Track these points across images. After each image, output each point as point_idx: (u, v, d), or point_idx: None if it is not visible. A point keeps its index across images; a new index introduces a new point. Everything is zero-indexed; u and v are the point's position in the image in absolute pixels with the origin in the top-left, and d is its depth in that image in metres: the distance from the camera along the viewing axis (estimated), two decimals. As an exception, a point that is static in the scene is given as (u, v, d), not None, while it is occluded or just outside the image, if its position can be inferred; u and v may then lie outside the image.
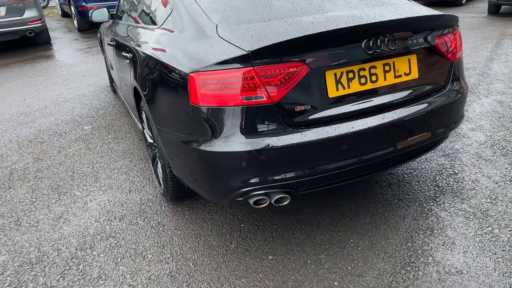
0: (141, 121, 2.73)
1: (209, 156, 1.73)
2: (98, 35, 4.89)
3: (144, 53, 2.24)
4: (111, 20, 3.98)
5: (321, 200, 2.47)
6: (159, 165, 2.50)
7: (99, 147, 3.46)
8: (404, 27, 1.84)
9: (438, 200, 2.40)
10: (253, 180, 1.74)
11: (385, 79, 1.88)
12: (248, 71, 1.61)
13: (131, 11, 3.13)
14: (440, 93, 2.06)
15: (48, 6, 14.60)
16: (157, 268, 2.02)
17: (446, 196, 2.43)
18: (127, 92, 3.01)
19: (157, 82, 2.03)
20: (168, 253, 2.13)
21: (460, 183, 2.55)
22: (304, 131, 1.70)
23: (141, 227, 2.35)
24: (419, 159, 2.86)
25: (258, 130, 1.67)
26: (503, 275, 1.84)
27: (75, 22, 9.56)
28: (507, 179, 2.54)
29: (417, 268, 1.91)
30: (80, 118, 4.20)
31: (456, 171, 2.69)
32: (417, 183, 2.58)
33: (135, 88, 2.49)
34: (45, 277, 2.02)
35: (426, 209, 2.33)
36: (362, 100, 1.83)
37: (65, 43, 8.32)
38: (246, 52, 1.60)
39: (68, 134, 3.80)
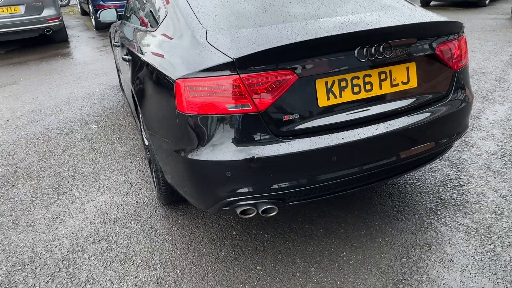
0: (140, 124, 2.73)
1: (195, 164, 1.70)
2: (109, 34, 4.94)
3: (138, 56, 2.22)
4: (120, 21, 4.00)
5: (317, 209, 2.41)
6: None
7: (102, 147, 3.49)
8: (401, 34, 1.76)
9: (439, 213, 2.30)
10: (239, 190, 1.70)
11: (380, 88, 1.80)
12: (234, 79, 1.57)
13: (134, 12, 3.13)
14: (441, 102, 1.97)
15: (69, 4, 14.91)
16: (144, 274, 2.01)
17: (448, 209, 2.33)
18: (128, 94, 3.01)
19: (148, 87, 2.01)
20: (157, 259, 2.11)
21: (464, 196, 2.44)
22: (291, 141, 1.65)
23: (134, 231, 2.35)
24: (423, 168, 2.76)
25: (243, 139, 1.63)
26: (501, 297, 1.74)
27: (92, 20, 9.71)
28: (515, 193, 2.42)
29: (409, 286, 1.83)
30: (88, 117, 4.25)
31: (461, 183, 2.57)
32: (419, 195, 2.49)
33: (131, 90, 2.49)
34: (35, 279, 2.03)
35: (425, 222, 2.23)
36: (355, 109, 1.76)
37: (82, 41, 8.46)
38: (231, 60, 1.55)
39: (74, 133, 3.85)
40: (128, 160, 3.21)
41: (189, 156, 1.69)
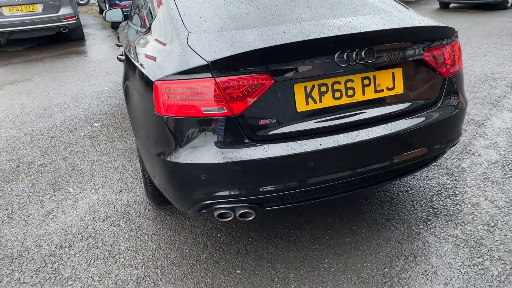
0: (134, 123, 2.76)
1: (172, 166, 1.70)
2: (118, 34, 5.02)
3: (127, 57, 2.25)
4: (126, 21, 4.06)
5: (304, 214, 2.38)
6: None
7: (103, 145, 3.54)
8: (385, 39, 1.72)
9: (429, 223, 2.23)
10: (214, 193, 1.69)
11: (363, 94, 1.76)
12: (209, 82, 1.56)
13: (135, 13, 3.16)
14: (430, 109, 1.91)
15: (89, 3, 15.24)
16: (125, 273, 2.03)
17: (439, 219, 2.26)
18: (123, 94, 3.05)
19: (133, 88, 2.03)
20: (140, 259, 2.12)
21: (458, 206, 2.36)
22: (266, 146, 1.63)
23: (121, 229, 2.37)
24: (418, 176, 2.69)
25: (218, 142, 1.62)
26: (483, 314, 1.68)
27: (109, 19, 9.88)
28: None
29: (388, 297, 1.78)
30: (93, 114, 4.33)
31: (456, 192, 2.49)
32: (411, 203, 2.42)
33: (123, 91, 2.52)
34: (20, 273, 2.08)
35: (414, 232, 2.17)
36: (335, 115, 1.72)
37: (97, 40, 8.63)
38: (207, 63, 1.55)
39: (78, 130, 3.92)
40: (125, 159, 3.25)
41: (167, 158, 1.70)
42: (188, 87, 1.59)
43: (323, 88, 1.69)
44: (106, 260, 2.13)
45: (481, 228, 2.17)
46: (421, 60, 1.83)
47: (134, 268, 2.06)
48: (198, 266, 2.05)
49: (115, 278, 2.00)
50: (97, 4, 12.94)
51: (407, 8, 2.17)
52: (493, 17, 8.43)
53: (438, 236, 2.13)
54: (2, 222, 2.52)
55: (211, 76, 1.56)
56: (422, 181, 2.64)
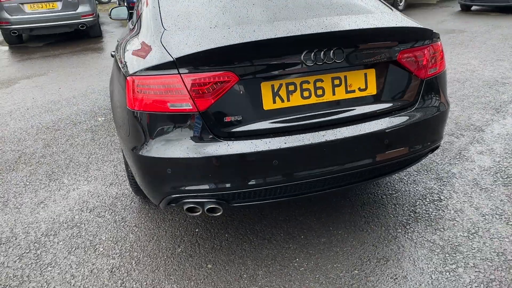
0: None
1: (142, 160, 1.75)
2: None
3: (113, 55, 2.31)
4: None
5: (284, 213, 2.39)
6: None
7: (102, 139, 3.65)
8: (355, 39, 1.71)
9: (408, 227, 2.20)
10: (181, 188, 1.73)
11: (333, 94, 1.76)
12: (175, 78, 1.60)
13: (133, 12, 3.24)
14: (405, 111, 1.89)
15: (111, 1, 15.62)
16: (102, 262, 2.09)
17: (419, 224, 2.22)
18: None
19: (114, 84, 2.09)
20: (118, 249, 2.19)
21: (440, 211, 2.32)
22: (231, 142, 1.65)
23: (106, 221, 2.44)
24: (406, 179, 2.65)
25: (184, 138, 1.66)
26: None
27: (128, 17, 10.11)
28: (497, 213, 2.26)
29: (353, 299, 1.78)
30: (99, 109, 4.45)
31: (442, 197, 2.44)
32: (393, 206, 2.39)
33: None
34: (5, 257, 2.18)
35: (391, 236, 2.15)
36: (303, 114, 1.73)
37: (114, 37, 8.84)
38: (173, 59, 1.59)
39: (81, 124, 4.05)
40: (121, 153, 3.33)
41: (138, 153, 1.74)
42: (155, 83, 1.63)
43: (291, 87, 1.70)
44: (86, 249, 2.20)
45: (460, 235, 2.12)
46: (395, 62, 1.82)
47: (111, 258, 2.13)
48: (172, 259, 2.09)
49: (91, 267, 2.07)
50: (117, 2, 13.25)
51: (392, 10, 2.15)
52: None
53: (415, 241, 2.10)
54: (-3, 209, 2.64)
55: (177, 72, 1.60)
56: (408, 185, 2.60)
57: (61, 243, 2.27)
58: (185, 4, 2.03)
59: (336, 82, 1.75)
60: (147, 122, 1.69)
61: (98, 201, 2.66)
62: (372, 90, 1.81)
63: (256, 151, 1.64)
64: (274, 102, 1.69)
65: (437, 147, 2.10)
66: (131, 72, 1.72)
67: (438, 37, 1.99)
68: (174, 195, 1.76)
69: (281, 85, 1.68)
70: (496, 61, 5.24)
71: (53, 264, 2.10)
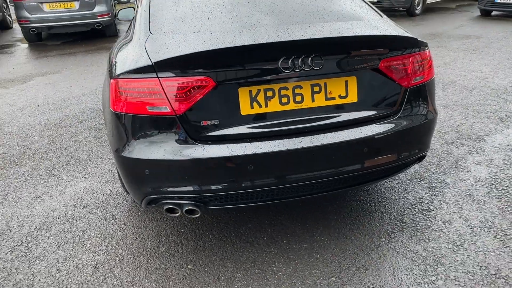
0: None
1: (124, 161, 1.79)
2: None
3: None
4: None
5: (270, 217, 2.40)
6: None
7: (105, 137, 3.73)
8: (334, 46, 1.71)
9: (392, 236, 2.18)
10: (159, 189, 1.77)
11: (313, 101, 1.76)
12: (153, 82, 1.64)
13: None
14: (386, 120, 1.87)
15: (130, 1, 15.92)
16: (87, 258, 2.15)
17: (404, 233, 2.20)
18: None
19: (104, 86, 2.14)
20: (104, 246, 2.24)
21: (428, 221, 2.28)
22: (207, 146, 1.68)
23: (97, 217, 2.51)
24: (397, 188, 2.61)
25: (162, 140, 1.69)
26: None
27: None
28: (486, 226, 2.21)
29: (326, 306, 1.77)
30: (105, 108, 4.55)
31: (431, 207, 2.41)
32: (380, 215, 2.37)
33: None
34: (-2, 249, 2.27)
35: (374, 244, 2.13)
36: (281, 121, 1.74)
37: (130, 37, 9.02)
38: (151, 63, 1.62)
39: (87, 121, 4.16)
40: (120, 151, 3.40)
41: (120, 154, 1.79)
42: (136, 86, 1.68)
43: (269, 93, 1.71)
44: (74, 245, 2.27)
45: (445, 246, 2.08)
46: (378, 70, 1.81)
47: (96, 254, 2.18)
48: (155, 258, 2.13)
49: (77, 262, 2.13)
50: (135, 2, 13.48)
51: (381, 17, 2.13)
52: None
53: (397, 251, 2.07)
54: (-4, 202, 2.75)
55: (156, 76, 1.64)
56: (399, 193, 2.57)
57: (52, 237, 2.34)
58: (174, 9, 2.07)
59: (316, 89, 1.75)
60: (128, 124, 1.73)
61: (92, 198, 2.73)
62: (353, 97, 1.80)
63: (231, 156, 1.66)
64: (252, 107, 1.71)
65: (422, 157, 2.08)
66: (114, 74, 1.77)
67: (426, 46, 1.97)
68: (154, 196, 1.80)
69: (259, 90, 1.70)
70: (508, 69, 5.10)
71: (41, 258, 2.17)
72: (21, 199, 2.77)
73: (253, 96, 1.70)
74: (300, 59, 1.66)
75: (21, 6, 7.64)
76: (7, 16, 9.96)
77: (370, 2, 10.22)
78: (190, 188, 1.73)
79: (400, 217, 2.34)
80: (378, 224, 2.29)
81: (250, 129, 1.72)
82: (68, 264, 2.12)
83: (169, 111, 1.65)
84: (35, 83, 5.78)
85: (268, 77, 1.68)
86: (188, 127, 1.68)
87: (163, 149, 1.68)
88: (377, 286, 1.87)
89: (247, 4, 2.05)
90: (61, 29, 8.09)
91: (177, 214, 1.87)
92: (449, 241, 2.12)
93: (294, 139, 1.72)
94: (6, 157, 3.43)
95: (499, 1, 9.25)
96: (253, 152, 1.67)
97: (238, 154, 1.66)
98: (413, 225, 2.27)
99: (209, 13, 1.99)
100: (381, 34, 1.81)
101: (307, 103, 1.76)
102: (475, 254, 2.02)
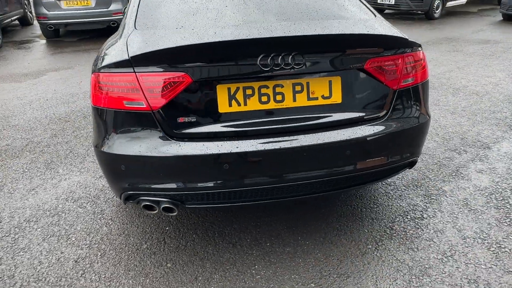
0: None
1: (101, 156, 1.78)
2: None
3: None
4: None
5: (256, 218, 2.35)
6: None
7: (105, 133, 3.76)
8: (314, 44, 1.65)
9: (380, 244, 2.10)
10: (137, 185, 1.75)
11: (294, 100, 1.71)
12: (130, 76, 1.62)
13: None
14: (372, 123, 1.80)
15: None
16: (70, 252, 2.16)
17: (392, 241, 2.11)
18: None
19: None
20: (88, 240, 2.24)
21: (419, 230, 2.19)
22: (182, 143, 1.65)
23: (85, 212, 2.52)
24: (392, 193, 2.53)
25: (137, 136, 1.67)
26: None
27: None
28: (480, 237, 2.11)
29: (301, 313, 1.72)
30: (111, 104, 4.59)
31: (425, 215, 2.31)
32: (370, 221, 2.29)
33: None
34: (-14, 239, 2.30)
35: (359, 251, 2.06)
36: (260, 120, 1.70)
37: (144, 35, 9.11)
38: (128, 58, 1.61)
39: (91, 117, 4.20)
40: (119, 147, 3.42)
41: (100, 149, 1.78)
42: (113, 80, 1.66)
43: (249, 91, 1.67)
44: (59, 238, 2.28)
45: (433, 257, 1.99)
46: (364, 70, 1.74)
47: (79, 248, 2.19)
48: (135, 254, 2.12)
49: (59, 255, 2.14)
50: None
51: (375, 15, 2.06)
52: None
53: (383, 259, 2.00)
54: (-8, 192, 2.79)
55: (132, 71, 1.62)
56: (393, 199, 2.48)
57: (39, 229, 2.36)
58: (163, 5, 2.05)
59: (298, 88, 1.70)
60: (106, 119, 1.72)
61: (84, 192, 2.75)
62: (337, 98, 1.74)
63: (206, 154, 1.63)
64: (230, 105, 1.67)
65: (412, 162, 1.99)
66: (95, 69, 1.76)
67: (419, 46, 1.89)
68: (130, 192, 1.78)
69: (238, 88, 1.66)
70: (525, 75, 4.90)
71: (26, 249, 2.19)
72: (16, 190, 2.81)
73: (231, 94, 1.66)
74: (280, 57, 1.61)
75: (40, 3, 7.83)
76: (28, 12, 10.23)
77: (388, 5, 9.95)
78: (166, 186, 1.71)
79: (390, 224, 2.26)
80: (366, 231, 2.21)
81: (228, 127, 1.68)
82: (51, 257, 2.12)
83: (145, 106, 1.63)
84: (47, 78, 5.89)
85: (247, 75, 1.63)
86: (164, 123, 1.65)
87: (138, 145, 1.66)
88: (357, 294, 1.80)
89: (236, 1, 2.02)
90: (77, 26, 8.24)
91: (155, 212, 1.85)
92: (438, 251, 2.03)
93: (273, 139, 1.68)
94: (8, 149, 3.49)
95: (522, 5, 8.92)
96: (229, 151, 1.63)
97: (213, 152, 1.63)
98: (403, 233, 2.18)
99: (196, 9, 1.96)
100: (367, 33, 1.74)
101: (288, 103, 1.71)
102: (465, 266, 1.92)
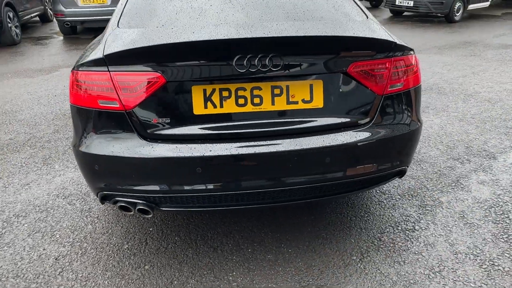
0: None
1: (77, 154, 1.77)
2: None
3: None
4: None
5: (241, 223, 2.29)
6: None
7: (106, 130, 3.78)
8: (292, 46, 1.58)
9: (366, 255, 2.01)
10: (112, 186, 1.72)
11: (273, 104, 1.65)
12: (103, 75, 1.60)
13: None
14: (356, 129, 1.72)
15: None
16: (52, 249, 2.16)
17: (379, 253, 2.02)
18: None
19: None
20: (72, 238, 2.24)
21: (409, 242, 2.09)
22: (155, 145, 1.61)
23: (74, 209, 2.52)
24: (385, 203, 2.43)
25: (110, 136, 1.65)
26: None
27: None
28: (473, 253, 1.99)
29: (273, 325, 1.65)
30: (116, 101, 4.62)
31: (416, 227, 2.21)
32: (358, 230, 2.20)
33: None
34: (-26, 232, 2.33)
35: (342, 262, 1.98)
36: (236, 123, 1.64)
37: (159, 33, 9.18)
38: (102, 56, 1.58)
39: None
40: (116, 145, 3.43)
41: (76, 147, 1.77)
42: (89, 79, 1.64)
43: (225, 93, 1.62)
44: (44, 234, 2.28)
45: (420, 272, 1.89)
46: (347, 74, 1.66)
47: (62, 245, 2.18)
48: (115, 255, 2.10)
49: (41, 252, 2.14)
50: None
51: (367, 17, 1.97)
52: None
53: (366, 271, 1.91)
54: (-13, 186, 2.84)
55: (107, 70, 1.59)
56: (385, 209, 2.38)
57: (26, 225, 2.37)
58: (148, 3, 2.02)
59: (276, 91, 1.64)
60: (81, 117, 1.70)
61: (75, 189, 2.75)
62: (318, 103, 1.67)
63: (178, 156, 1.59)
64: (206, 107, 1.62)
65: (401, 172, 1.90)
66: (74, 67, 1.74)
67: (411, 50, 1.80)
68: (106, 192, 1.76)
69: (214, 90, 1.61)
70: (543, 82, 4.67)
71: (10, 244, 2.20)
72: (10, 184, 2.84)
73: (207, 95, 1.61)
74: (257, 59, 1.56)
75: (57, 0, 7.98)
76: (48, 9, 10.47)
77: (406, 7, 9.68)
78: (141, 188, 1.68)
79: (379, 235, 2.16)
80: (353, 241, 2.13)
81: (202, 130, 1.63)
82: (33, 253, 2.13)
83: (118, 106, 1.61)
84: (59, 74, 5.99)
85: (223, 76, 1.58)
86: (138, 124, 1.62)
87: (112, 145, 1.64)
88: (333, 308, 1.73)
89: (221, 0, 1.97)
90: (93, 23, 8.37)
91: (130, 213, 1.82)
92: (426, 266, 1.93)
93: (249, 143, 1.62)
94: (10, 143, 3.55)
95: (548, 9, 8.53)
96: (202, 154, 1.58)
97: (186, 155, 1.58)
98: (391, 245, 2.08)
99: (180, 8, 1.92)
100: (351, 35, 1.66)
101: (267, 106, 1.65)
102: (452, 283, 1.82)
